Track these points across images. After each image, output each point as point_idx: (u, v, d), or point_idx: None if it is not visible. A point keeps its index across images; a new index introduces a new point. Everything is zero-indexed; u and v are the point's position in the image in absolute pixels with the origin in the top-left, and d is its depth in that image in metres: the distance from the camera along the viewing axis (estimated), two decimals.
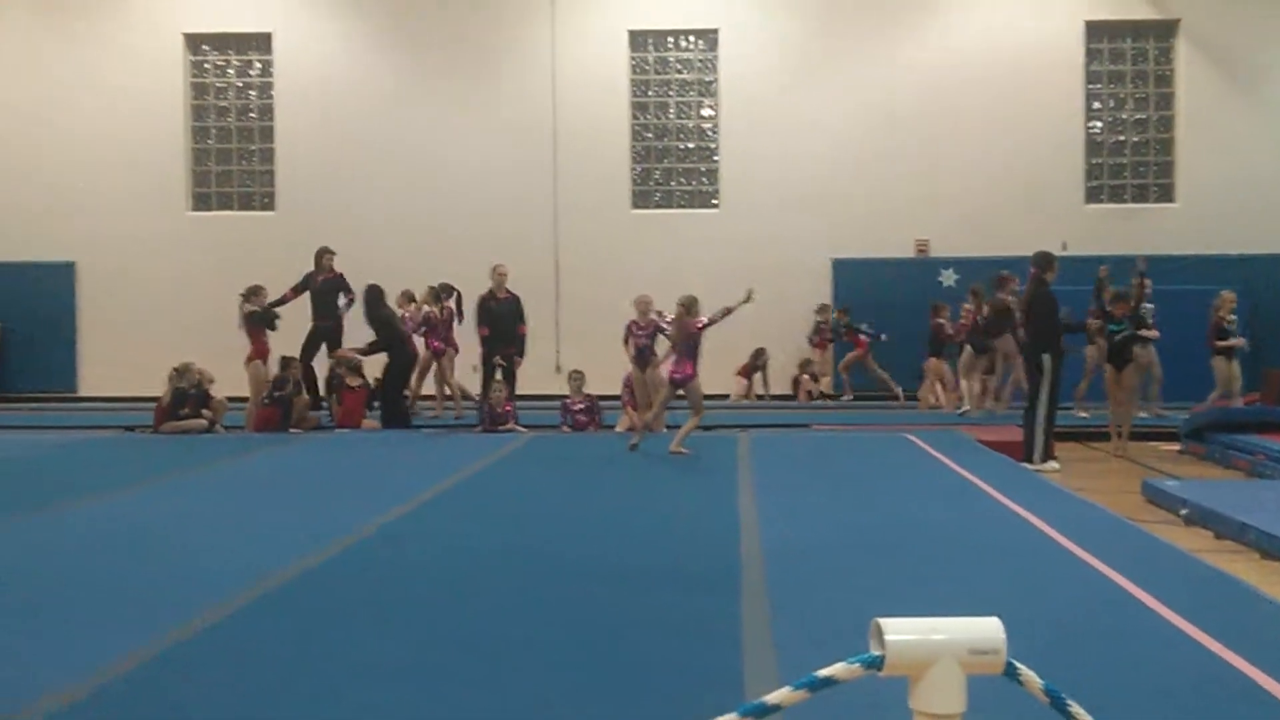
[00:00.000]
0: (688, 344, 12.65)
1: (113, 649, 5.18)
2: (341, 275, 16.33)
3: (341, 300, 16.25)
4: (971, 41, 20.40)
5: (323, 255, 16.44)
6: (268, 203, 20.82)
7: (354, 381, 15.81)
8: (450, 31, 20.48)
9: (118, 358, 20.01)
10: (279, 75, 20.58)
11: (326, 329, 16.24)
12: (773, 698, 1.97)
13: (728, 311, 12.69)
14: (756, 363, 19.31)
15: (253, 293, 15.49)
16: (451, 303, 16.30)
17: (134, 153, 20.34)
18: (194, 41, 20.72)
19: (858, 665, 1.97)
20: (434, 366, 16.27)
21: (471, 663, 5.02)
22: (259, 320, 15.24)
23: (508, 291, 15.88)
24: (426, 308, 16.03)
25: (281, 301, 15.95)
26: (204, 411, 14.95)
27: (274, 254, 19.49)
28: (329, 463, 12.52)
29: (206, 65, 20.87)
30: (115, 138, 20.33)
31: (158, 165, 20.45)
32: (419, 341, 16.02)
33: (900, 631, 1.97)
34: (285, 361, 15.50)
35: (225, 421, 15.21)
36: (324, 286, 16.24)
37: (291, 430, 15.05)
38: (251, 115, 20.91)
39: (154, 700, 4.56)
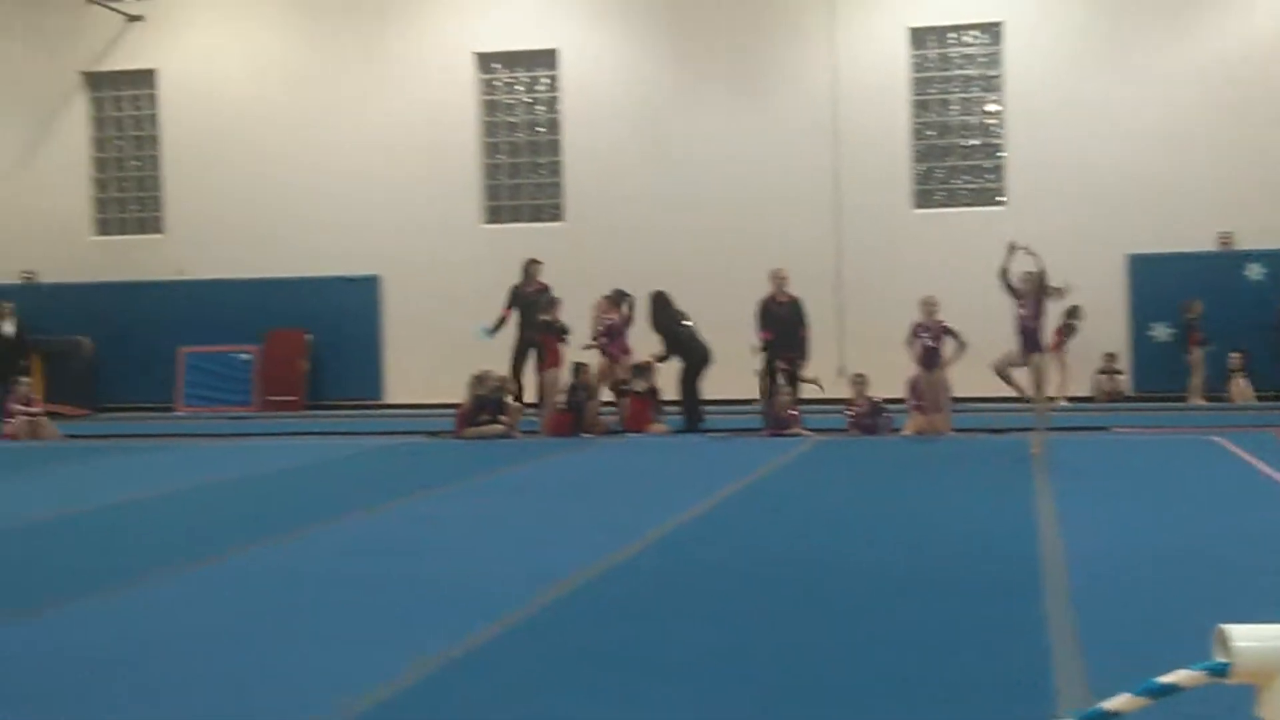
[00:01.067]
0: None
1: (421, 648, 5.41)
2: (548, 287, 16.61)
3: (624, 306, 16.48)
4: (1276, 23, 19.28)
5: (530, 266, 16.78)
6: (556, 214, 21.46)
7: (640, 386, 16.12)
8: (730, 38, 20.66)
9: (420, 366, 20.98)
10: (565, 90, 21.18)
11: (535, 340, 16.42)
12: (1112, 704, 1.95)
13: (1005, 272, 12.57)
14: (1070, 320, 18.43)
15: (549, 304, 16.03)
16: (626, 308, 16.27)
17: (432, 170, 21.30)
18: (484, 60, 21.54)
19: (1201, 673, 1.93)
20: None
21: (768, 668, 5.07)
22: (553, 330, 15.77)
23: (788, 295, 15.92)
24: (605, 316, 16.02)
25: (501, 322, 16.55)
26: (501, 417, 15.53)
27: (564, 264, 20.06)
28: (620, 466, 12.83)
29: (496, 83, 21.67)
30: (414, 156, 21.31)
31: (454, 181, 21.35)
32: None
33: (1248, 638, 1.92)
34: (577, 368, 15.96)
35: (521, 426, 15.77)
36: (532, 298, 16.58)
37: (583, 434, 15.48)
38: (540, 130, 21.59)
39: (459, 699, 4.76)
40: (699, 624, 5.81)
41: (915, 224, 20.36)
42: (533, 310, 16.43)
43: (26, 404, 17.24)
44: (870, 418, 15.20)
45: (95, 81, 22.69)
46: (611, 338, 15.96)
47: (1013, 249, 12.46)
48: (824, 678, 4.90)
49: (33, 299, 21.67)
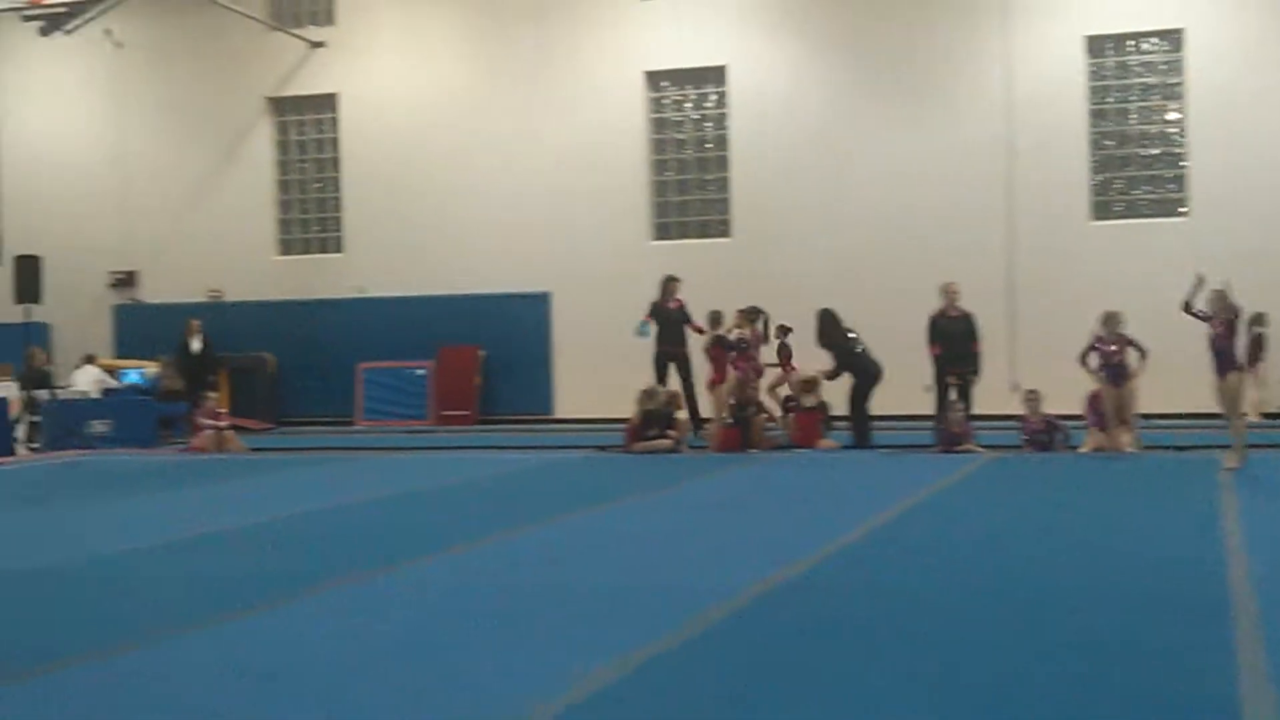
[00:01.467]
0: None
1: (594, 661, 5.44)
2: (684, 305, 16.73)
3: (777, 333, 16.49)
4: None
5: (669, 283, 16.86)
6: (723, 230, 21.49)
7: (809, 401, 16.04)
8: (901, 50, 20.44)
9: (588, 382, 21.18)
10: (733, 105, 21.21)
11: (674, 354, 16.64)
12: None
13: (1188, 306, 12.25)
14: (1259, 329, 17.60)
15: (714, 320, 16.08)
16: (760, 326, 16.19)
17: (601, 187, 21.51)
18: (654, 78, 21.70)
19: None
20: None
21: (940, 687, 4.98)
22: (723, 345, 15.81)
23: (960, 309, 15.68)
24: (738, 330, 15.96)
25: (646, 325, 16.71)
26: (669, 432, 15.60)
27: (730, 280, 20.08)
28: (789, 482, 12.77)
29: (665, 100, 21.82)
30: (583, 174, 21.56)
31: (623, 199, 21.55)
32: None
33: None
34: (743, 383, 15.94)
35: (690, 441, 15.82)
36: (672, 315, 16.67)
37: (751, 450, 15.45)
38: (707, 146, 21.65)
39: (631, 713, 4.78)
40: (869, 643, 5.75)
41: (1092, 236, 19.85)
42: (671, 327, 16.64)
43: (214, 418, 17.91)
44: (1046, 434, 14.84)
45: (279, 106, 23.51)
46: (741, 352, 15.87)
47: (1200, 282, 12.19)
48: (997, 699, 4.81)
49: (219, 317, 22.53)
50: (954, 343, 15.47)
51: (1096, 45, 20.00)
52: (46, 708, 5.02)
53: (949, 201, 20.07)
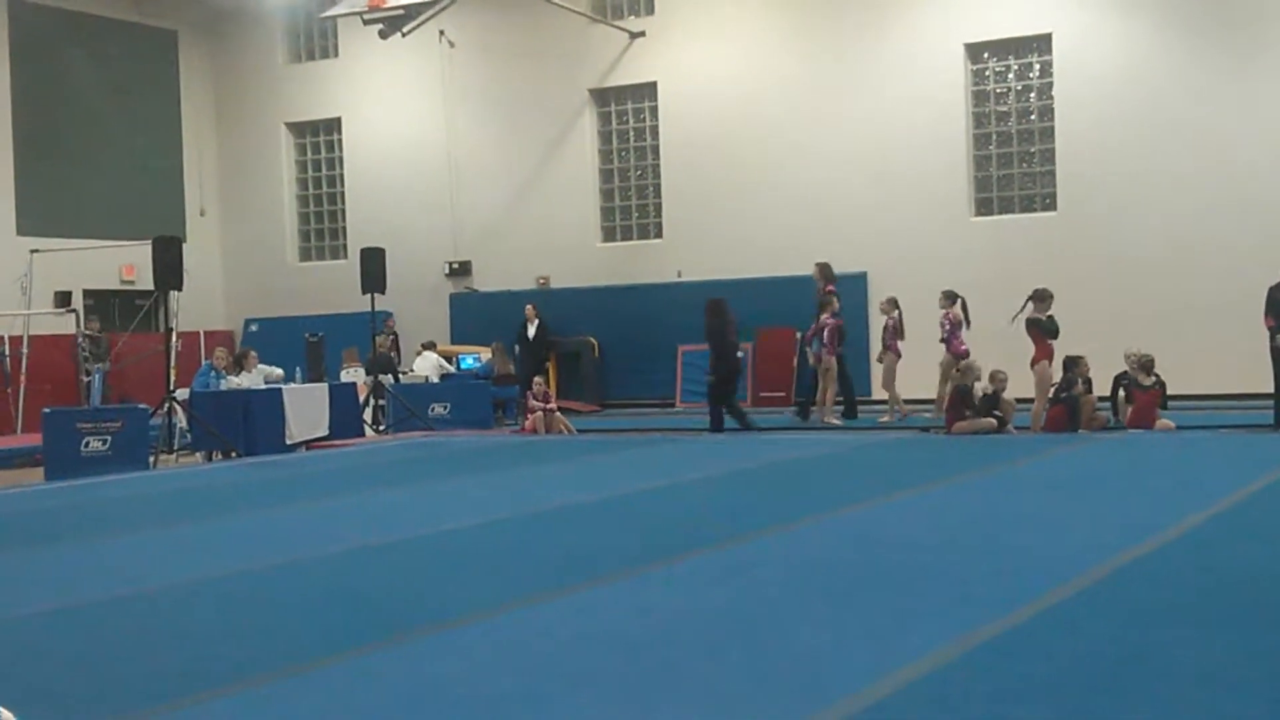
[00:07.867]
0: None
1: (932, 638, 5.42)
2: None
3: None
4: None
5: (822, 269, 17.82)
6: (1049, 203, 20.79)
7: (1146, 380, 15.38)
8: (1239, 13, 19.26)
9: (909, 361, 20.83)
10: (1059, 75, 20.45)
11: None
12: None
13: None
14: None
15: (1039, 297, 15.60)
16: (958, 308, 17.01)
17: (919, 165, 21.15)
18: (974, 50, 21.18)
19: None
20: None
21: None
22: (1039, 325, 15.34)
23: None
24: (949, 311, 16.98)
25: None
26: (994, 412, 15.25)
27: (1056, 255, 19.49)
28: (1125, 463, 12.29)
29: (986, 73, 21.26)
30: (901, 152, 21.25)
31: (941, 175, 21.12)
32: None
33: None
34: (1072, 361, 15.43)
35: (1017, 422, 15.43)
36: None
37: (1080, 430, 14.94)
38: (1031, 118, 20.99)
39: (971, 691, 4.72)
40: (1228, 630, 5.48)
41: None
42: None
43: (543, 401, 18.61)
44: None
45: (601, 97, 24.16)
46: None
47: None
48: None
49: (546, 302, 23.40)
50: None
51: None
52: (437, 662, 5.42)
53: None
